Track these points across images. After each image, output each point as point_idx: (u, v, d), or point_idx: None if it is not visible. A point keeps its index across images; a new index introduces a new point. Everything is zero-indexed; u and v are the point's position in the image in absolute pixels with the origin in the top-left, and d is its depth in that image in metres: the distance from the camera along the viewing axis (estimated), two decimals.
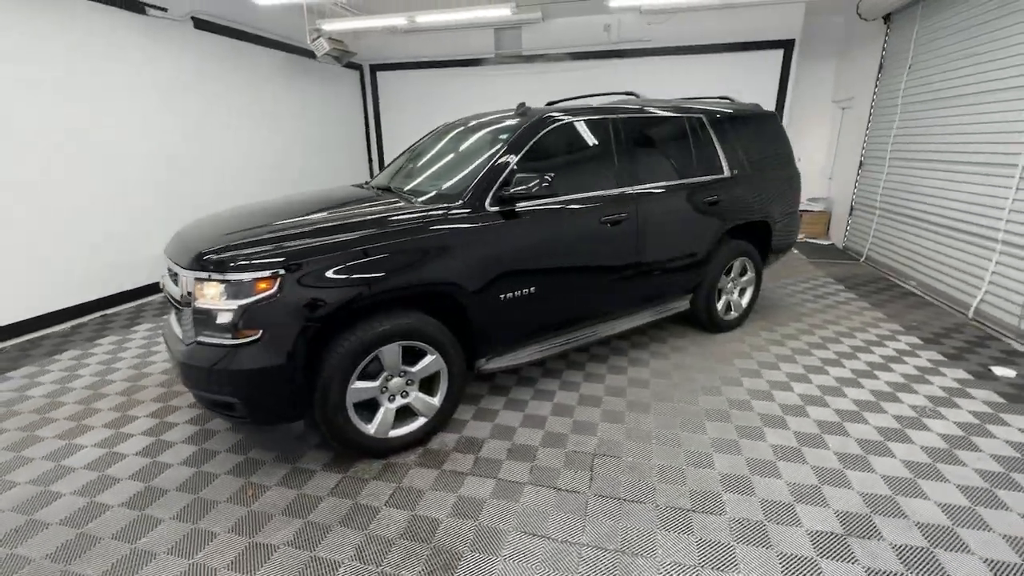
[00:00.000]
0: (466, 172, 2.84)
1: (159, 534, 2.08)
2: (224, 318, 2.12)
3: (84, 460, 2.56)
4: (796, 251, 7.20)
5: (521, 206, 2.75)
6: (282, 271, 2.12)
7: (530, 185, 2.61)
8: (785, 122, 7.47)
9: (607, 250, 3.12)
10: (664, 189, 3.37)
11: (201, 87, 5.58)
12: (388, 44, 8.54)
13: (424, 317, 2.49)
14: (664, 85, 7.54)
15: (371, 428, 2.46)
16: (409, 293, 2.44)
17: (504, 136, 2.95)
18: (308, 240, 2.25)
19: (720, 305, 3.99)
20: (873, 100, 6.61)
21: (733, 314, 4.12)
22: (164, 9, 5.09)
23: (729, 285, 4.03)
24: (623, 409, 2.98)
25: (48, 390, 3.29)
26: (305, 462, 2.54)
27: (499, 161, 2.75)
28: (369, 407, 2.49)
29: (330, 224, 2.39)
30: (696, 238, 3.60)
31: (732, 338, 4.00)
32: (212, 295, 2.13)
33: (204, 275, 2.13)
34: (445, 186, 2.87)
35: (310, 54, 6.89)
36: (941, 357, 3.62)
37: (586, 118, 3.13)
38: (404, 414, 2.60)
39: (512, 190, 2.63)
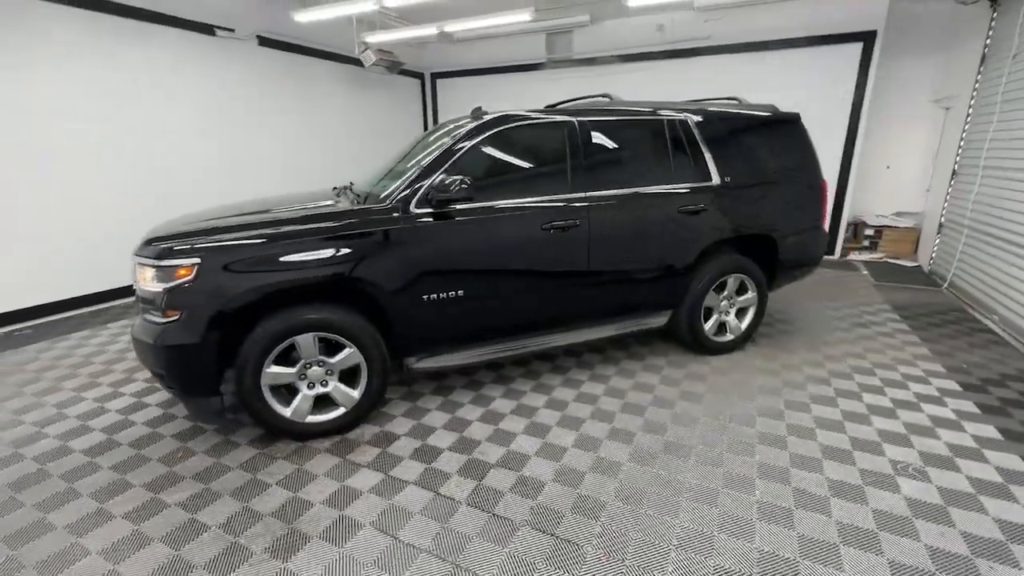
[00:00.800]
0: (405, 175, 2.93)
1: (93, 480, 2.43)
2: (155, 299, 2.43)
3: (78, 411, 3.07)
4: (866, 271, 6.29)
5: (458, 208, 2.78)
6: (198, 260, 2.38)
7: (451, 188, 2.63)
8: (863, 125, 6.57)
9: (551, 257, 3.02)
10: (627, 196, 3.18)
11: (262, 96, 6.30)
12: (448, 52, 8.92)
13: (341, 311, 2.62)
14: (723, 85, 7.01)
15: (287, 412, 2.65)
16: (319, 288, 2.59)
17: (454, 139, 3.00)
18: (228, 235, 2.49)
19: (709, 325, 3.64)
20: (972, 98, 5.57)
21: (728, 336, 3.74)
22: (231, 29, 5.84)
23: (723, 303, 3.67)
24: (552, 424, 2.87)
25: (88, 351, 3.96)
26: (238, 436, 2.80)
27: (429, 164, 2.81)
28: (294, 392, 2.68)
29: (257, 221, 2.61)
30: (671, 249, 3.34)
31: (721, 363, 3.63)
32: (148, 278, 2.45)
33: (142, 260, 2.46)
34: (387, 188, 2.99)
35: (386, 67, 7.41)
36: (974, 409, 2.98)
37: (536, 122, 3.06)
38: (327, 402, 2.76)
39: (437, 193, 2.67)
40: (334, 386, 2.73)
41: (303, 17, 5.53)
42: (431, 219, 2.74)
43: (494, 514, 2.17)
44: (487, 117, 3.01)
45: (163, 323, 2.43)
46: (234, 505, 2.24)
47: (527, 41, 8.22)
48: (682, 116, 3.42)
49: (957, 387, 3.25)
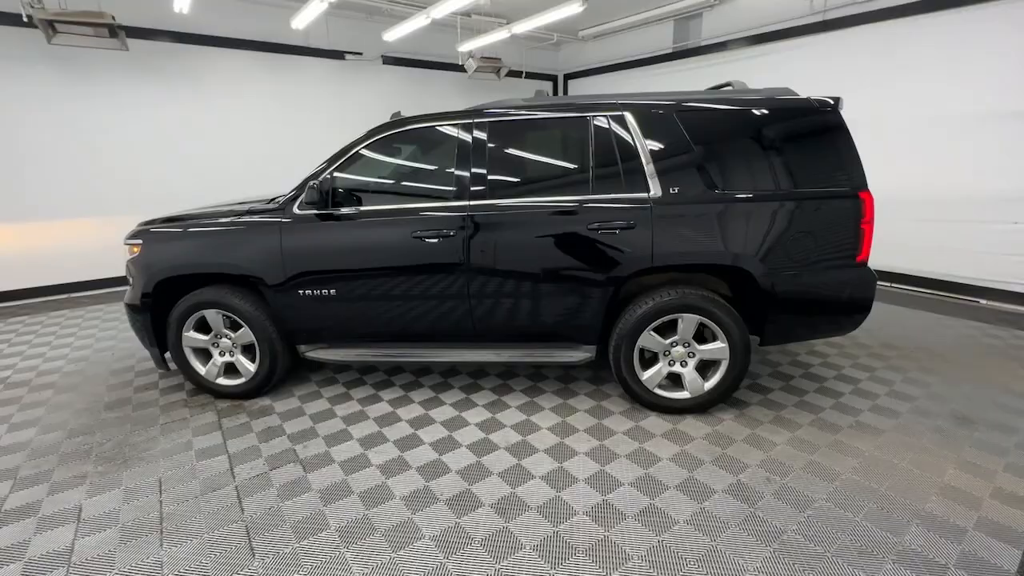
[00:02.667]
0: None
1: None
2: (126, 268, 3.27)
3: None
4: None
5: (331, 212, 2.92)
6: (141, 241, 3.11)
7: (323, 192, 2.79)
8: None
9: (420, 268, 2.87)
10: (516, 208, 2.78)
11: (387, 107, 7.33)
12: (579, 52, 8.74)
13: (241, 296, 3.04)
14: (887, 62, 5.16)
15: (203, 371, 3.23)
16: (219, 275, 3.06)
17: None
18: (163, 225, 3.15)
19: (650, 375, 2.89)
20: None
21: (684, 393, 2.89)
22: (359, 53, 6.96)
23: (678, 350, 2.86)
24: (372, 433, 2.77)
25: None
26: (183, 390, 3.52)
27: (317, 168, 2.98)
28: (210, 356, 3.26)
29: (188, 214, 3.22)
30: (577, 274, 2.78)
31: (663, 421, 2.85)
32: (128, 251, 3.30)
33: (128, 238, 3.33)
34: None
35: (494, 72, 7.84)
36: None
37: (431, 125, 2.91)
38: (235, 371, 3.25)
39: (307, 196, 2.84)
40: (236, 358, 3.20)
41: (391, 35, 6.24)
42: (311, 221, 2.94)
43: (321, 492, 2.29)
44: (395, 120, 3.02)
45: (128, 285, 3.25)
46: (117, 426, 2.91)
47: (655, 32, 7.47)
48: (616, 114, 2.77)
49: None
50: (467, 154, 2.85)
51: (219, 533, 2.09)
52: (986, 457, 2.50)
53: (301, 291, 2.99)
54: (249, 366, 3.18)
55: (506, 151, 2.87)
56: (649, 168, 2.71)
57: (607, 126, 2.76)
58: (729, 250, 2.66)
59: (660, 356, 2.89)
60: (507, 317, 2.92)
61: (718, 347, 2.79)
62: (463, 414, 3.01)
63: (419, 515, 2.17)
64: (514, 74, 8.36)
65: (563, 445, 2.67)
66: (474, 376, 3.51)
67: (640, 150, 2.72)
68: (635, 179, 2.72)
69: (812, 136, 2.66)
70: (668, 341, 2.84)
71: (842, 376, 3.42)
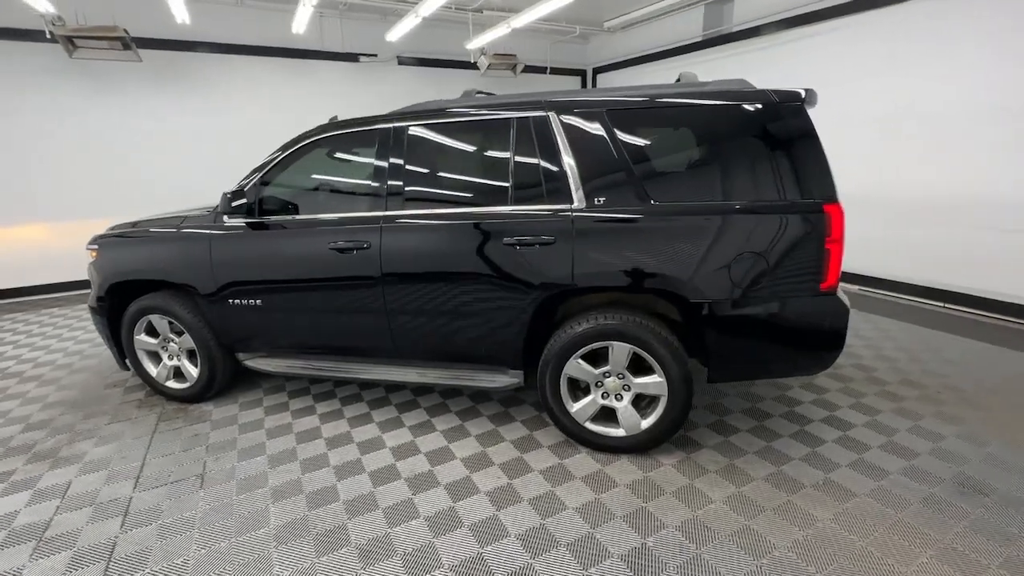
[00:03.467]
0: None
1: None
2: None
3: None
4: None
5: (256, 221, 2.86)
6: (96, 247, 3.23)
7: (226, 203, 2.73)
8: None
9: (339, 281, 2.73)
10: (428, 218, 2.57)
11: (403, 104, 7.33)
12: (607, 44, 8.28)
13: (181, 302, 3.07)
14: (944, 39, 4.36)
15: (154, 373, 3.31)
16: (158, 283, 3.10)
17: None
18: (113, 233, 3.24)
19: (581, 406, 2.57)
20: None
21: (619, 431, 2.55)
22: (374, 55, 6.99)
23: (611, 381, 2.52)
24: (286, 449, 2.67)
25: None
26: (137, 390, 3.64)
27: (243, 177, 2.92)
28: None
29: (147, 221, 3.30)
30: (494, 293, 2.52)
31: (593, 460, 2.54)
32: (88, 255, 3.43)
33: None
34: None
35: (509, 69, 7.62)
36: None
37: (354, 130, 2.75)
38: (183, 375, 3.30)
39: (228, 205, 2.80)
40: (182, 362, 3.25)
41: (392, 36, 6.17)
42: (240, 230, 2.90)
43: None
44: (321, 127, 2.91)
45: (91, 288, 3.40)
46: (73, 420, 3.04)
47: (684, 19, 6.88)
48: (540, 115, 2.46)
49: None
50: (385, 161, 2.67)
51: (88, 546, 2.08)
52: (981, 543, 1.97)
53: (231, 301, 2.97)
54: (192, 371, 3.22)
55: (423, 158, 2.66)
56: (573, 176, 2.39)
57: (529, 129, 2.47)
58: (659, 271, 2.28)
59: (592, 387, 2.57)
60: (426, 335, 2.72)
61: (654, 381, 2.43)
62: (385, 435, 2.86)
63: (278, 549, 2.04)
64: (536, 70, 8.07)
65: (468, 481, 2.44)
66: (416, 392, 3.34)
67: (564, 156, 2.41)
68: (558, 188, 2.41)
69: (768, 137, 2.22)
70: (600, 371, 2.51)
71: (833, 419, 2.89)
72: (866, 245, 5.22)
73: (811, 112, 2.22)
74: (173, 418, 3.13)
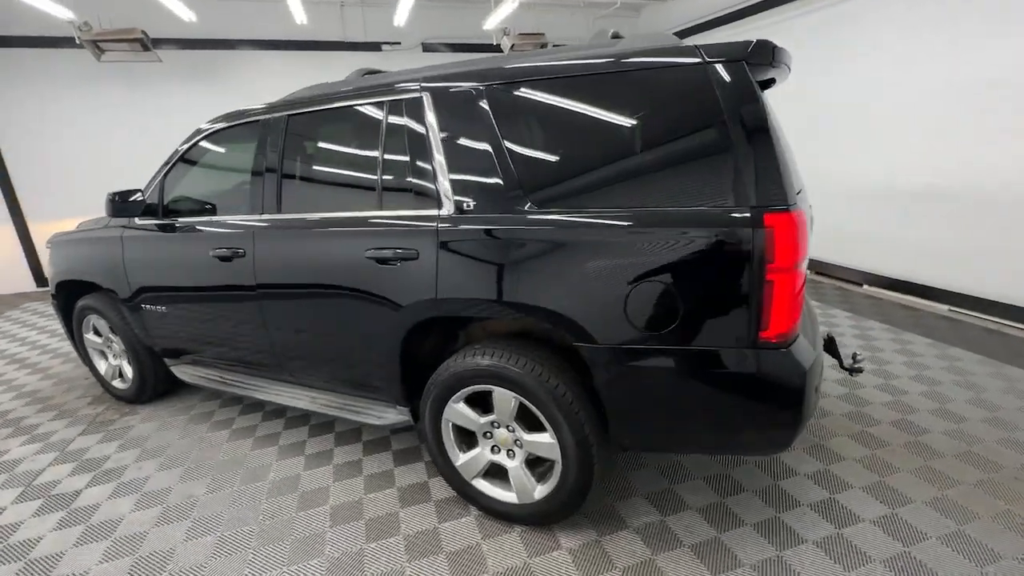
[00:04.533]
0: None
1: None
2: None
3: None
4: None
5: (166, 223, 2.68)
6: (49, 247, 3.28)
7: (113, 205, 2.59)
8: None
9: (221, 290, 2.46)
10: (294, 223, 2.21)
11: None
12: (659, 13, 7.32)
13: (106, 302, 3.02)
14: None
15: (102, 370, 3.33)
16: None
17: None
18: (62, 234, 3.26)
19: (466, 460, 2.05)
20: None
21: (512, 496, 2.01)
22: (398, 43, 6.75)
23: (502, 433, 1.99)
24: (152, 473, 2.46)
25: None
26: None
27: (154, 174, 2.75)
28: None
29: (87, 222, 3.28)
30: (359, 315, 2.08)
31: (479, 528, 2.03)
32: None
33: None
34: None
35: (538, 48, 7.04)
36: None
37: (243, 121, 2.43)
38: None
39: (107, 210, 2.64)
40: (121, 363, 3.23)
41: (399, 19, 5.83)
42: (147, 231, 2.74)
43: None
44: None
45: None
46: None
47: None
48: (413, 97, 1.95)
49: None
50: (263, 155, 2.33)
51: None
52: None
53: (143, 306, 2.84)
54: (129, 372, 3.18)
55: (297, 153, 2.27)
56: (443, 174, 1.87)
57: (401, 114, 1.98)
58: (528, 301, 1.70)
59: (480, 437, 2.05)
60: (307, 355, 2.37)
61: (545, 441, 1.85)
62: (280, 462, 2.57)
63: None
64: None
65: (318, 537, 2.05)
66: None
67: (434, 148, 1.89)
68: (427, 190, 1.91)
69: (690, 116, 1.53)
70: (488, 419, 1.99)
71: (830, 505, 2.08)
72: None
73: (790, 81, 1.50)
74: (106, 419, 3.11)
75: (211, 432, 2.89)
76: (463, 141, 1.84)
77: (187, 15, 4.98)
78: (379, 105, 2.04)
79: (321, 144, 2.26)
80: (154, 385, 3.17)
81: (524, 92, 1.76)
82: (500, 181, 1.76)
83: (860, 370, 2.17)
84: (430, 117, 1.91)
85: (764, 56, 1.50)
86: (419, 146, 1.93)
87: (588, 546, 1.93)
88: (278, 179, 2.28)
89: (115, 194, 2.59)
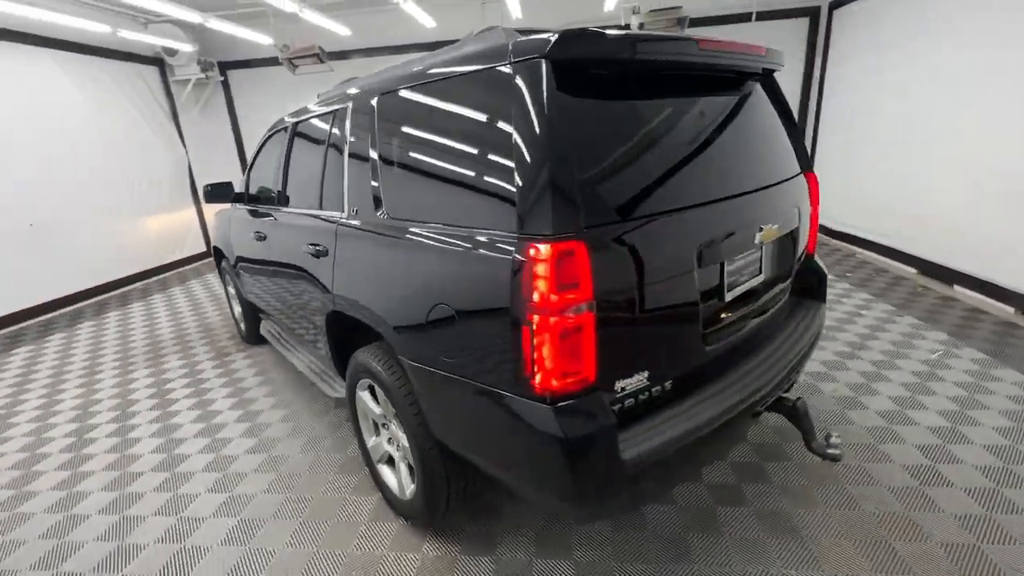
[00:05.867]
0: None
1: None
2: None
3: None
4: None
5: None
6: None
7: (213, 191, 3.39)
8: None
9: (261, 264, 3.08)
10: (284, 216, 2.68)
11: None
12: None
13: (229, 267, 4.02)
14: None
15: (235, 314, 4.45)
16: None
17: None
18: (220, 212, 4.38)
19: (374, 443, 2.21)
20: None
21: (396, 488, 2.11)
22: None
23: (393, 427, 2.09)
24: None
25: None
26: None
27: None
28: None
29: None
30: (301, 299, 2.52)
31: (378, 514, 2.21)
32: None
33: None
34: None
35: (676, 25, 6.32)
36: None
37: (285, 126, 2.89)
38: None
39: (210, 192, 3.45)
40: (237, 309, 4.26)
41: (514, 11, 5.81)
42: (241, 215, 3.54)
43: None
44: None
45: None
46: None
47: None
48: (342, 107, 2.10)
49: None
50: (283, 157, 2.80)
51: None
52: None
53: (240, 272, 3.69)
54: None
55: (291, 154, 2.68)
56: (347, 176, 2.02)
57: (331, 124, 2.20)
58: (374, 308, 1.74)
59: (381, 428, 2.19)
60: (287, 319, 2.92)
61: (399, 434, 1.91)
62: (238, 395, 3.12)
63: None
64: (734, 19, 6.39)
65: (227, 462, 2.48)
66: None
67: (344, 151, 2.06)
68: (339, 192, 2.09)
69: (495, 123, 1.35)
70: (380, 412, 2.11)
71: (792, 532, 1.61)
72: None
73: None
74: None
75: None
76: (360, 147, 1.97)
77: (343, 31, 5.98)
78: (327, 115, 2.28)
79: (298, 149, 2.65)
80: (255, 329, 4.09)
81: (382, 100, 1.83)
82: (372, 185, 1.84)
83: (836, 458, 1.62)
84: (347, 125, 2.07)
85: (576, 49, 1.23)
86: (338, 151, 2.12)
87: (441, 559, 1.93)
88: (283, 177, 2.74)
89: (209, 185, 3.42)
